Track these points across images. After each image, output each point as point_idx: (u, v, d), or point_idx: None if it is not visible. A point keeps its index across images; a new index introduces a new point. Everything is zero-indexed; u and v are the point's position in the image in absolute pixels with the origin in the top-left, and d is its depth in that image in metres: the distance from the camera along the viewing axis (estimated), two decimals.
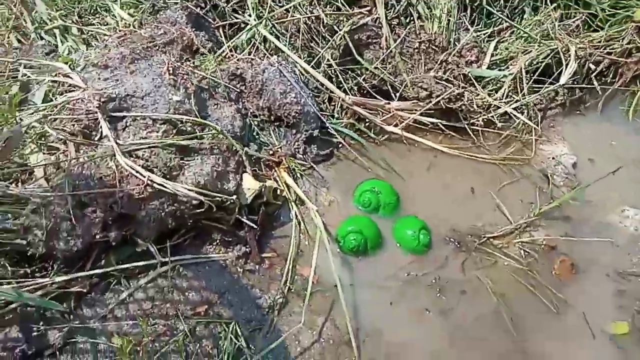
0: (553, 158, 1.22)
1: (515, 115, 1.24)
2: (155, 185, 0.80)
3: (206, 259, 0.91)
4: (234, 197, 0.88)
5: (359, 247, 0.96)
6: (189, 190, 0.82)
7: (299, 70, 1.11)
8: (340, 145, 1.16)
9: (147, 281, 0.86)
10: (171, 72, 0.93)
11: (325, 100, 1.19)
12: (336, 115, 1.19)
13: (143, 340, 0.78)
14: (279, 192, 1.00)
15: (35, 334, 0.77)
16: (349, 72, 1.22)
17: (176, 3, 1.16)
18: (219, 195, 0.86)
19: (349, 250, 0.96)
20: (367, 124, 1.20)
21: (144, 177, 0.79)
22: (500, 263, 1.01)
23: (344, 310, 0.87)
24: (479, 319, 0.93)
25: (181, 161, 0.86)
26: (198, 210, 0.86)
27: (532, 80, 1.29)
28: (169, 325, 0.82)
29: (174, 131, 0.88)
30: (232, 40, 1.17)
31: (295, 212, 1.00)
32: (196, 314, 0.85)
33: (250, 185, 0.92)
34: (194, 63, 1.04)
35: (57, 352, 0.78)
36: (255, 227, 0.94)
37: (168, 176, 0.84)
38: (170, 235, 0.90)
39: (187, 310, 0.85)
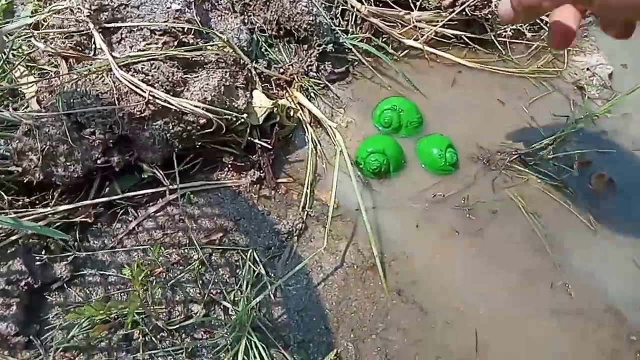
0: (588, 69, 1.12)
1: (546, 25, 1.13)
2: (157, 101, 0.72)
3: (218, 185, 0.85)
4: (245, 115, 0.80)
5: (380, 168, 0.89)
6: (196, 106, 0.74)
7: None
8: (356, 63, 1.07)
9: (156, 209, 0.80)
10: None
11: (338, 14, 1.09)
12: (350, 30, 1.09)
13: (156, 270, 0.73)
14: (292, 112, 0.92)
15: (39, 266, 0.72)
16: None
17: None
18: (228, 112, 0.78)
19: (371, 171, 0.89)
20: (384, 38, 1.10)
21: (145, 92, 0.71)
22: (532, 180, 0.94)
23: (368, 234, 0.81)
24: (512, 238, 0.87)
25: (185, 75, 0.78)
26: (206, 131, 0.78)
27: None
28: (183, 254, 0.77)
29: (175, 43, 0.79)
30: None
31: (311, 134, 0.93)
32: (211, 242, 0.79)
33: (262, 102, 0.84)
34: None
35: (65, 285, 0.73)
36: (269, 150, 0.86)
37: (171, 92, 0.76)
38: (178, 161, 0.83)
39: (201, 239, 0.79)
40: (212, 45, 0.81)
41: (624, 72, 1.12)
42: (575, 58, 1.15)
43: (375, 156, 0.89)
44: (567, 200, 0.92)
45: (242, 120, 0.80)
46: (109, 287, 0.73)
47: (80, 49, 0.80)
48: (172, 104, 0.72)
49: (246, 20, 0.96)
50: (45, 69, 0.84)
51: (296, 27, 0.95)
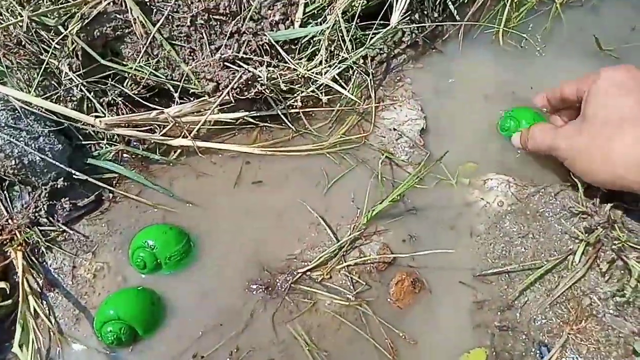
0: (394, 129, 0.95)
1: (333, 87, 0.95)
2: None
3: None
4: None
5: (120, 339, 0.72)
6: None
7: (17, 105, 0.81)
8: (114, 184, 0.89)
9: None
10: None
11: (78, 131, 0.90)
12: (106, 142, 0.91)
13: None
14: (8, 290, 0.74)
15: None
16: (109, 81, 0.92)
17: None
18: None
19: (111, 345, 0.72)
20: (150, 144, 0.92)
21: None
22: (321, 304, 0.78)
23: None
24: None
25: None
26: None
27: (354, 28, 0.99)
28: None
29: None
30: None
31: (33, 310, 0.75)
32: None
33: None
34: None
35: None
36: None
37: None
38: None
39: None
40: None
41: (437, 122, 0.95)
42: (385, 114, 0.98)
43: (110, 326, 0.72)
44: (364, 323, 0.76)
45: None
46: None
47: None
48: None
49: None
50: None
51: (5, 174, 0.77)
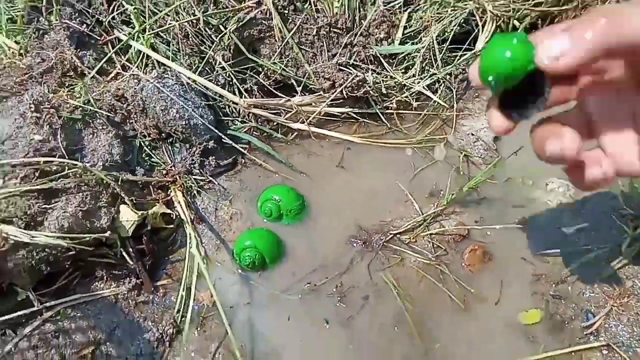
0: (472, 134, 1.15)
1: (428, 94, 1.17)
2: (10, 237, 0.78)
3: (95, 297, 0.90)
4: (108, 233, 0.85)
5: (254, 262, 0.93)
6: (48, 236, 0.79)
7: (185, 80, 1.06)
8: (246, 151, 1.11)
9: (32, 329, 0.85)
10: (33, 109, 0.89)
11: (230, 105, 1.14)
12: (241, 120, 1.14)
13: None
14: (173, 216, 0.97)
15: None
16: (248, 72, 1.16)
17: (57, 25, 1.10)
18: (87, 235, 0.83)
19: (246, 267, 0.94)
20: (273, 125, 1.15)
21: None
22: (407, 260, 0.97)
23: (234, 334, 0.85)
24: (382, 325, 0.91)
25: (45, 205, 0.83)
26: (70, 253, 0.84)
27: (445, 50, 1.21)
28: None
29: (37, 174, 0.85)
30: (106, 58, 1.11)
31: (191, 234, 0.97)
32: (82, 357, 0.84)
33: (128, 216, 0.89)
34: (70, 90, 1.00)
35: None
36: (145, 256, 0.91)
37: (32, 223, 0.82)
38: (56, 276, 0.89)
39: (73, 354, 0.84)
40: (72, 172, 0.86)
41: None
42: (463, 122, 1.18)
43: (249, 251, 0.93)
44: (442, 279, 0.95)
45: (107, 237, 0.85)
46: None
47: None
48: (25, 241, 0.77)
49: (127, 128, 1.02)
50: None
51: (173, 130, 1.01)
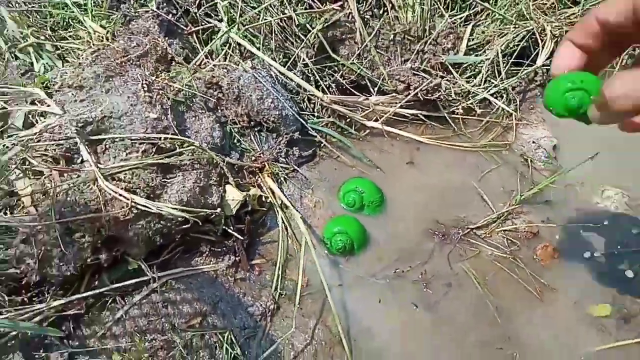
0: (533, 142, 1.23)
1: (492, 101, 1.25)
2: (138, 206, 0.82)
3: (197, 271, 0.93)
4: (219, 210, 0.90)
5: (345, 247, 0.98)
6: (173, 208, 0.83)
7: (274, 73, 1.11)
8: (322, 145, 1.17)
9: (140, 298, 0.88)
10: (146, 88, 0.93)
11: (305, 100, 1.20)
12: (316, 115, 1.20)
13: (142, 357, 0.81)
14: (263, 198, 1.02)
15: (37, 358, 0.80)
16: (326, 70, 1.22)
17: (147, 11, 1.15)
18: (203, 210, 0.87)
19: (337, 251, 0.99)
20: (347, 121, 1.21)
21: (127, 200, 0.81)
22: (484, 253, 1.04)
23: (333, 312, 0.90)
24: (465, 309, 0.96)
25: (163, 179, 0.87)
26: (184, 226, 0.88)
27: (509, 64, 1.29)
28: (165, 339, 0.85)
29: (154, 149, 0.89)
30: (207, 47, 1.16)
31: (282, 217, 1.02)
32: (191, 326, 0.87)
33: (234, 196, 0.94)
34: (169, 74, 1.04)
35: None
36: (242, 236, 0.95)
37: (152, 195, 0.85)
38: (161, 250, 0.92)
39: (182, 323, 0.87)
40: (185, 150, 0.90)
41: (566, 143, 1.24)
42: (523, 131, 1.26)
43: (340, 236, 0.98)
44: (516, 271, 1.01)
45: (217, 213, 0.89)
46: None
47: (70, 154, 0.89)
48: (151, 210, 0.81)
49: (220, 115, 1.07)
50: (39, 170, 0.93)
51: (265, 119, 1.06)
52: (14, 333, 0.80)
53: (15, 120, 1.00)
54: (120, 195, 0.81)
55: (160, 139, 0.88)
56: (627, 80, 0.48)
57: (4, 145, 0.87)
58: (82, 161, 0.87)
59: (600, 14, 0.53)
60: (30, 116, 1.00)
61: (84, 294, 0.84)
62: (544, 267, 1.03)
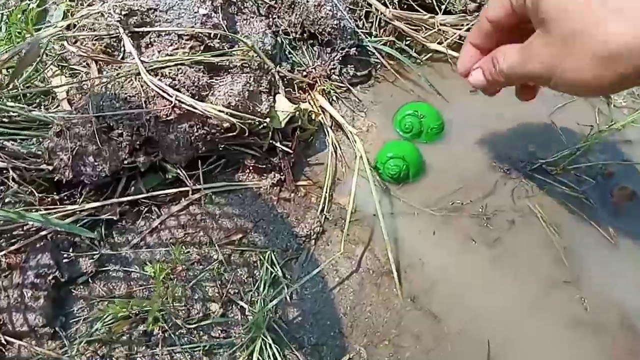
0: None
1: None
2: (183, 106, 0.74)
3: (239, 187, 0.87)
4: (267, 120, 0.82)
5: (400, 173, 0.89)
6: (220, 111, 0.75)
7: None
8: (378, 66, 1.07)
9: (179, 209, 0.82)
10: None
11: (362, 16, 1.09)
12: (374, 33, 1.09)
13: (177, 268, 0.75)
14: (313, 116, 0.93)
15: (66, 261, 0.75)
16: None
17: None
18: (251, 117, 0.79)
19: (390, 177, 0.90)
20: (408, 42, 1.10)
21: (172, 97, 0.73)
22: (553, 191, 0.94)
23: (384, 240, 0.82)
24: (529, 249, 0.87)
25: (211, 80, 0.79)
26: (229, 134, 0.80)
27: None
28: (203, 253, 0.79)
29: (202, 48, 0.81)
30: None
31: (332, 138, 0.94)
32: (230, 242, 0.81)
33: (284, 107, 0.85)
34: None
35: (90, 280, 0.76)
36: (289, 153, 0.88)
37: (197, 96, 0.78)
38: (201, 161, 0.86)
39: (221, 239, 0.81)
40: (237, 50, 0.82)
41: None
42: None
43: (395, 161, 0.89)
44: (588, 212, 0.91)
45: (265, 124, 0.82)
46: (132, 284, 0.76)
47: (110, 51, 0.82)
48: (197, 109, 0.73)
49: (271, 23, 0.97)
50: (76, 69, 0.87)
51: (320, 30, 0.96)
52: (43, 233, 0.76)
53: (52, 16, 0.93)
54: (165, 91, 0.74)
55: (210, 35, 0.79)
56: (512, 53, 0.59)
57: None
58: (124, 57, 0.79)
59: (488, 14, 0.62)
60: (69, 14, 0.93)
61: (119, 199, 0.79)
62: (620, 210, 0.92)
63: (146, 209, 0.82)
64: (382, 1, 1.08)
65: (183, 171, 0.81)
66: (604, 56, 0.47)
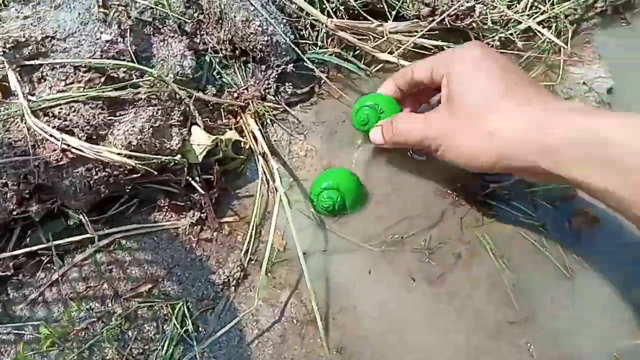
0: (584, 83, 1.00)
1: (539, 32, 1.01)
2: (72, 149, 0.67)
3: (154, 228, 0.79)
4: (178, 157, 0.74)
5: (334, 205, 0.81)
6: (115, 154, 0.68)
7: None
8: (322, 82, 0.98)
9: (82, 257, 0.75)
10: (101, 3, 0.76)
11: (308, 27, 1.00)
12: (319, 44, 1.00)
13: (74, 328, 0.69)
14: (242, 144, 0.85)
15: None
16: None
17: None
18: (156, 157, 0.72)
19: (324, 209, 0.82)
20: (356, 53, 1.01)
21: (58, 140, 0.66)
22: (506, 217, 0.85)
23: (307, 284, 0.75)
24: (475, 287, 0.80)
25: (110, 117, 0.72)
26: (134, 175, 0.73)
27: None
28: (106, 309, 0.72)
29: (102, 80, 0.73)
30: None
31: (262, 167, 0.86)
32: (138, 295, 0.74)
33: (200, 140, 0.78)
34: None
35: None
36: (210, 188, 0.80)
37: (94, 136, 0.71)
38: (112, 202, 0.78)
39: (128, 291, 0.74)
40: (142, 81, 0.74)
41: (625, 86, 1.00)
42: (572, 69, 1.03)
43: (329, 193, 0.81)
44: (543, 242, 0.83)
45: (176, 161, 0.74)
46: (24, 347, 0.70)
47: (6, 84, 0.75)
48: (87, 154, 0.66)
49: (198, 41, 0.89)
50: None
51: (251, 47, 0.88)
52: None
53: None
54: (51, 134, 0.66)
55: (108, 66, 0.72)
56: (404, 119, 0.75)
57: None
58: (13, 92, 0.72)
59: (414, 73, 0.76)
60: None
61: (11, 253, 0.72)
62: (579, 238, 0.83)
63: (47, 259, 0.75)
64: (326, 11, 0.98)
65: (85, 217, 0.74)
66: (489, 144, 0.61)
